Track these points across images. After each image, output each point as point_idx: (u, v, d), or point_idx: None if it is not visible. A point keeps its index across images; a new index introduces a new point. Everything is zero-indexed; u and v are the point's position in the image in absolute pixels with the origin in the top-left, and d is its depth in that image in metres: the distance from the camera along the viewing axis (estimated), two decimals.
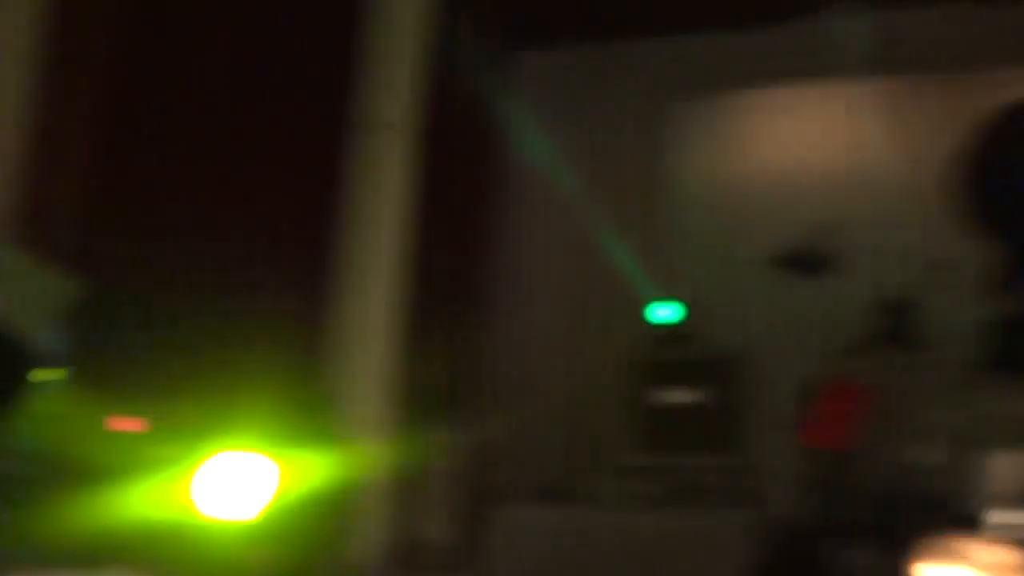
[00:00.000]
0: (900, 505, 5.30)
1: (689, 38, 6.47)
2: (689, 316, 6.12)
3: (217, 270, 4.59)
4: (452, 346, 5.78)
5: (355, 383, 4.76)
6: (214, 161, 4.51)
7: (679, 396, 5.46)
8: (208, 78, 4.54)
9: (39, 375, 2.75)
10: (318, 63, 5.24)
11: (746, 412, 5.55)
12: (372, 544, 4.91)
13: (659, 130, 6.80)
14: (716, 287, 6.46)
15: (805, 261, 6.31)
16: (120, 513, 2.87)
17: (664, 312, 5.96)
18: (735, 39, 6.31)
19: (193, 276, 4.40)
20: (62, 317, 2.90)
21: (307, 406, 4.27)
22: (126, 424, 3.22)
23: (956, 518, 4.63)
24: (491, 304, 6.50)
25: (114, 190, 4.13)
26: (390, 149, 5.34)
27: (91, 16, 4.12)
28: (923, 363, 5.94)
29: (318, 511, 3.82)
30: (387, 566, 4.86)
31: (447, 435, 5.01)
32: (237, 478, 3.23)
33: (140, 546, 2.92)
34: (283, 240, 4.86)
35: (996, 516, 4.70)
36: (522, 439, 5.26)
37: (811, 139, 6.66)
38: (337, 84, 5.37)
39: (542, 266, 6.73)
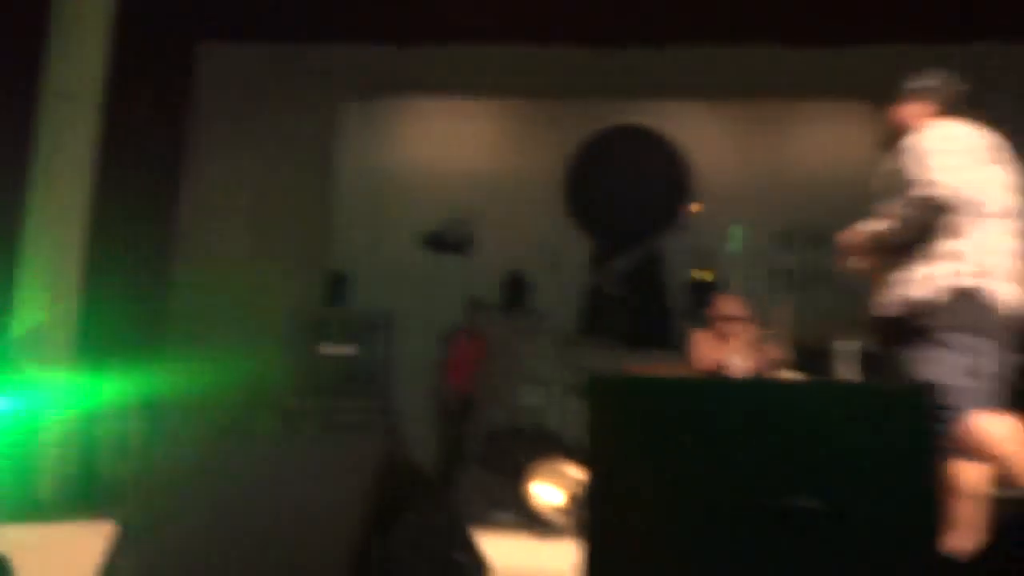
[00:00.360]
0: (515, 437, 6.21)
1: (360, 46, 7.22)
2: (350, 283, 6.98)
3: None
4: (135, 295, 6.22)
5: (44, 329, 5.11)
6: None
7: (338, 349, 6.20)
8: None
9: None
10: (5, 35, 5.42)
11: (393, 363, 6.50)
12: (56, 479, 5.25)
13: (330, 125, 7.52)
14: (375, 259, 7.43)
15: (447, 241, 7.51)
16: None
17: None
18: (400, 51, 7.16)
19: None
20: None
21: None
22: None
23: (558, 448, 5.51)
24: (172, 263, 6.98)
25: None
26: (74, 119, 5.59)
27: None
28: (536, 326, 7.23)
29: None
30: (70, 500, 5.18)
31: (130, 376, 5.46)
32: None
33: None
34: None
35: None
36: (199, 381, 5.81)
37: (455, 143, 7.79)
38: (24, 55, 5.55)
39: (223, 233, 7.25)
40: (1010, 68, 7.06)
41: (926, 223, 2.97)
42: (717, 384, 2.58)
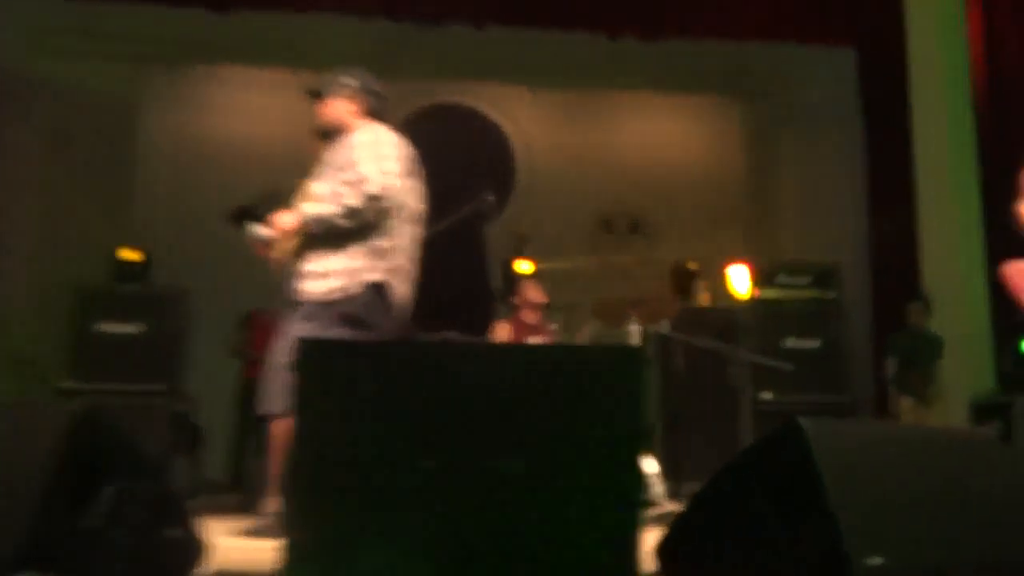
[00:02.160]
0: None
1: (169, 8, 6.80)
2: (151, 260, 6.67)
3: None
4: None
5: None
6: None
7: (121, 327, 5.92)
8: None
9: None
10: None
11: (189, 344, 6.28)
12: None
13: (134, 91, 7.21)
14: (179, 235, 7.15)
15: (257, 216, 7.30)
16: None
17: None
18: (212, 16, 6.74)
19: None
20: None
21: None
22: None
23: None
24: None
25: None
26: None
27: None
28: None
29: None
30: None
31: None
32: None
33: None
34: None
35: None
36: None
37: (269, 115, 7.59)
38: None
39: (8, 207, 6.84)
40: (818, 67, 7.48)
41: (367, 218, 3.25)
42: (425, 347, 2.60)
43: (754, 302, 6.34)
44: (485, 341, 5.57)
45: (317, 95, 3.62)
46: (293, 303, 3.26)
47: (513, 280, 7.35)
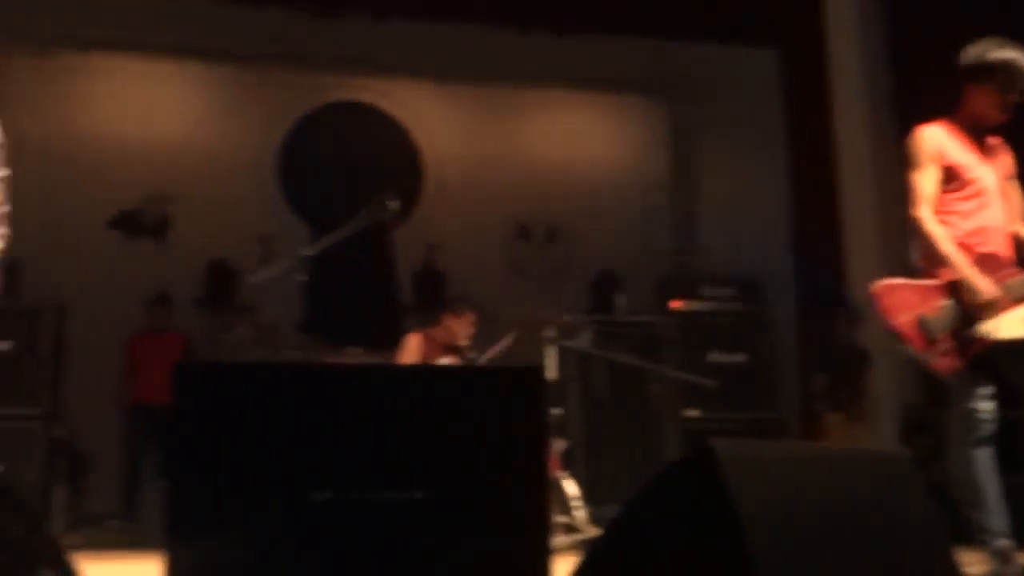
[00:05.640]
0: None
1: None
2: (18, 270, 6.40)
3: None
4: None
5: None
6: None
7: None
8: None
9: None
10: None
11: (64, 363, 6.05)
12: None
13: None
14: (51, 243, 6.86)
15: (139, 223, 7.11)
16: None
17: None
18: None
19: None
20: None
21: None
22: None
23: None
24: None
25: None
26: None
27: None
28: (244, 322, 6.96)
29: None
30: None
31: None
32: None
33: None
34: None
35: None
36: None
37: (152, 110, 7.37)
38: None
39: None
40: (741, 67, 7.65)
41: None
42: (313, 369, 2.55)
43: (676, 315, 6.43)
44: (385, 360, 5.51)
45: None
46: None
47: (430, 288, 7.33)
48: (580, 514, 4.63)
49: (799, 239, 7.08)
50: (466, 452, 2.25)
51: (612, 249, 7.81)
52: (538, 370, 2.49)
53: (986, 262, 3.15)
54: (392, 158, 7.78)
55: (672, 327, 6.33)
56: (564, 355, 5.11)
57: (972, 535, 3.08)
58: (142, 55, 7.34)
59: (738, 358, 6.28)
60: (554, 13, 7.19)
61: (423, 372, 2.85)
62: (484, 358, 5.07)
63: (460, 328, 5.36)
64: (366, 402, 2.25)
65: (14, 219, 6.92)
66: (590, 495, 4.82)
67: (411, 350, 5.44)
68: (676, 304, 6.46)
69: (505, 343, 5.22)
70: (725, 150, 7.99)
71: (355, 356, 5.89)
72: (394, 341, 5.82)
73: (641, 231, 8.03)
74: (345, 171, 7.49)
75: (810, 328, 6.74)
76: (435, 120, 7.93)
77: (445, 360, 5.34)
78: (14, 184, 7.22)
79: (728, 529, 1.73)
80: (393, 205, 4.82)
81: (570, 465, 5.04)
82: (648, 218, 8.13)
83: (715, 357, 6.21)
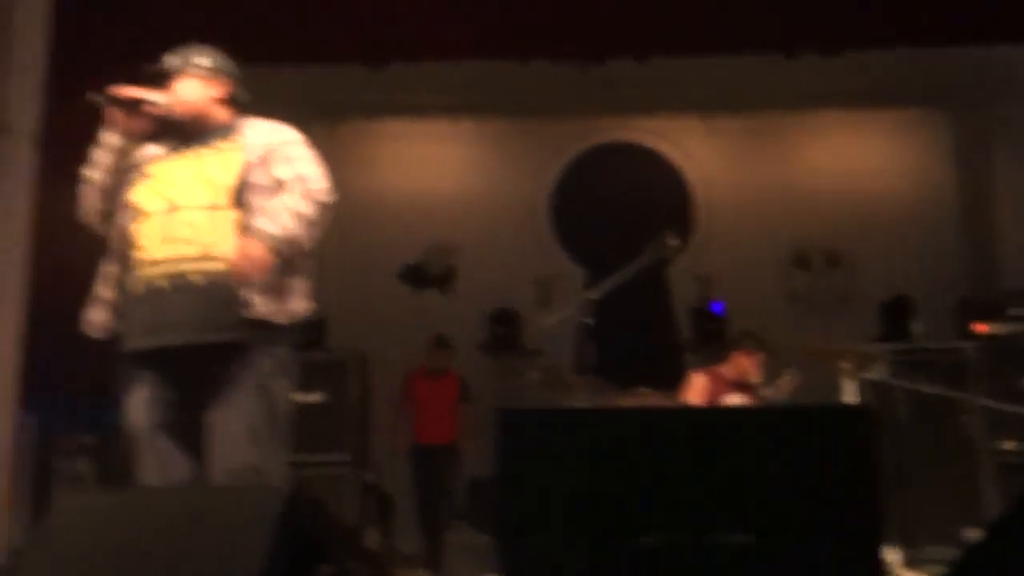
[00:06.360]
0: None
1: (326, 66, 7.19)
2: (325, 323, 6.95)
3: None
4: None
5: None
6: None
7: (306, 396, 5.98)
8: None
9: None
10: None
11: (369, 411, 6.49)
12: None
13: None
14: (348, 297, 7.45)
15: (426, 275, 7.56)
16: None
17: None
18: (368, 70, 7.06)
19: None
20: None
21: None
22: None
23: None
24: None
25: None
26: (10, 153, 5.73)
27: None
28: (526, 365, 7.17)
29: None
30: None
31: None
32: None
33: None
34: None
35: None
36: None
37: (430, 167, 7.88)
38: None
39: None
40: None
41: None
42: (635, 413, 2.58)
43: (981, 339, 5.99)
44: (670, 399, 5.49)
45: (162, 76, 2.92)
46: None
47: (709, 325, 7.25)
48: (892, 557, 4.40)
49: None
50: (798, 494, 2.21)
51: (899, 272, 7.41)
52: (869, 409, 2.41)
53: None
54: (662, 194, 7.83)
55: (978, 352, 5.89)
56: (861, 387, 4.89)
57: None
58: (419, 117, 7.86)
59: None
60: (820, 33, 6.97)
61: (750, 413, 2.83)
62: (779, 394, 4.96)
63: (751, 366, 5.27)
64: (693, 445, 2.27)
65: (318, 277, 7.54)
66: (904, 535, 4.57)
67: (697, 388, 5.41)
68: (981, 327, 6.02)
69: (795, 378, 5.08)
70: (1019, 158, 7.43)
71: (647, 397, 5.91)
72: (676, 379, 5.81)
73: (931, 251, 7.58)
74: (616, 211, 7.62)
75: None
76: (703, 153, 7.92)
77: (734, 398, 5.27)
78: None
79: None
80: (674, 242, 4.85)
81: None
82: (937, 237, 7.67)
83: None
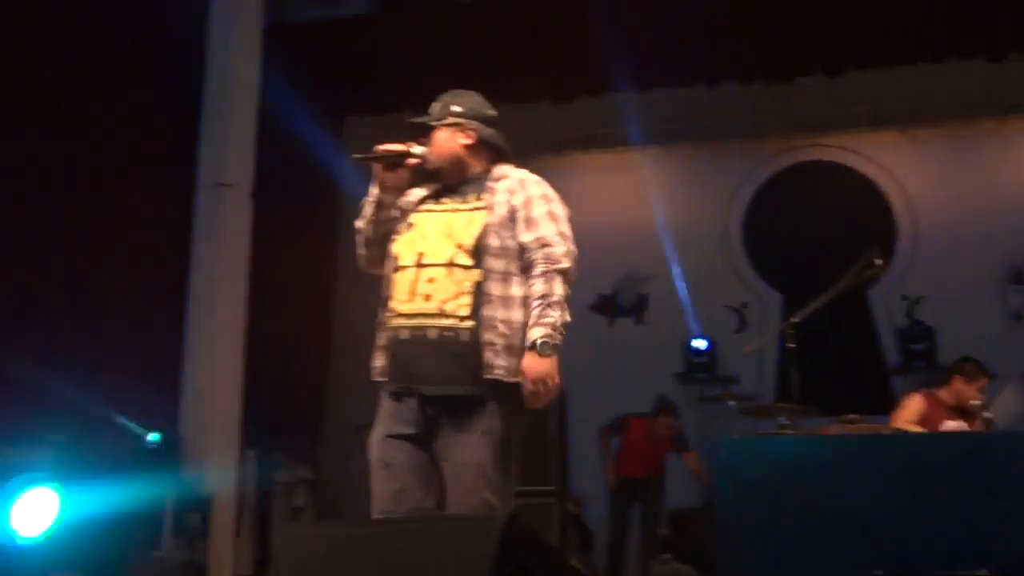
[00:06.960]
0: (704, 518, 5.99)
1: (510, 106, 7.44)
2: None
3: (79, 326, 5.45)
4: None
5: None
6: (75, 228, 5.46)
7: None
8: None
9: None
10: (161, 132, 6.11)
11: (567, 443, 6.55)
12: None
13: None
14: None
15: (619, 305, 7.59)
16: None
17: None
18: (553, 107, 7.23)
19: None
20: None
21: None
22: None
23: None
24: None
25: None
26: (230, 206, 6.19)
27: None
28: (727, 393, 7.07)
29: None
30: None
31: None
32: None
33: None
34: (137, 298, 5.74)
35: None
36: None
37: (619, 198, 7.90)
38: (179, 149, 6.23)
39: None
40: None
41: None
42: (861, 440, 2.48)
43: None
44: (893, 422, 5.27)
45: (423, 125, 3.01)
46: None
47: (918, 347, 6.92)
48: None
49: None
50: None
51: None
52: None
53: None
54: (859, 212, 7.57)
55: None
56: None
57: None
58: (605, 149, 7.93)
59: None
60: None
61: (971, 440, 2.70)
62: (1004, 421, 4.67)
63: (971, 392, 5.00)
64: (924, 474, 2.19)
65: None
66: None
67: (913, 409, 5.14)
68: None
69: (1006, 401, 4.78)
70: None
71: (858, 423, 5.71)
72: (883, 405, 5.57)
73: None
74: (811, 233, 7.42)
75: None
76: (903, 167, 7.61)
77: (952, 424, 4.99)
78: None
79: None
80: (878, 262, 4.69)
81: None
82: None
83: None
